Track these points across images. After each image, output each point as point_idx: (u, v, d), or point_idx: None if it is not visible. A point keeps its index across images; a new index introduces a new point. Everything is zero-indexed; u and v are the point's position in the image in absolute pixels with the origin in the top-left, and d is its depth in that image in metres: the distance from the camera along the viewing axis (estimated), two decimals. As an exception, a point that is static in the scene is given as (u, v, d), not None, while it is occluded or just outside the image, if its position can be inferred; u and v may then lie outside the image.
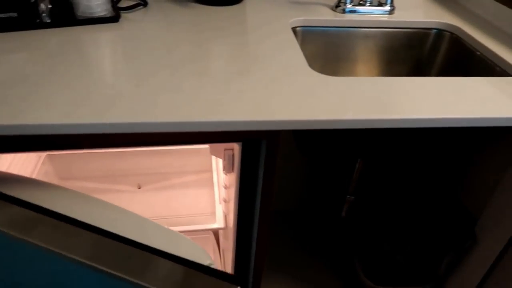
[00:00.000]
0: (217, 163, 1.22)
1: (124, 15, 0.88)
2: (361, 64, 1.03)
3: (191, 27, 0.85)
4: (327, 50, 0.99)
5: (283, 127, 0.58)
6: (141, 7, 0.92)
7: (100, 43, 0.76)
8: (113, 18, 0.84)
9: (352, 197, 1.11)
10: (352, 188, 1.08)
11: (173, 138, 0.62)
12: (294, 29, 0.93)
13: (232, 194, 0.86)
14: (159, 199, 1.20)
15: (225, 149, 0.80)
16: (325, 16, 0.95)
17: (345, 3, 0.97)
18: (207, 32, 0.83)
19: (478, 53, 0.89)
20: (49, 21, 0.79)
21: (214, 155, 0.86)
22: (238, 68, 0.70)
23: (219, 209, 1.06)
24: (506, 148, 0.88)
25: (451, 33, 0.96)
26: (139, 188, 1.23)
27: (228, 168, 0.83)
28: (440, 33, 0.98)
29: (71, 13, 0.83)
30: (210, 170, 1.28)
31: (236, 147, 0.74)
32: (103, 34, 0.79)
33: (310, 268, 1.27)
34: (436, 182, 1.08)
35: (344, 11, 0.97)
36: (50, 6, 0.80)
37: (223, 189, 1.03)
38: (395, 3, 1.00)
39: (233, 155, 0.81)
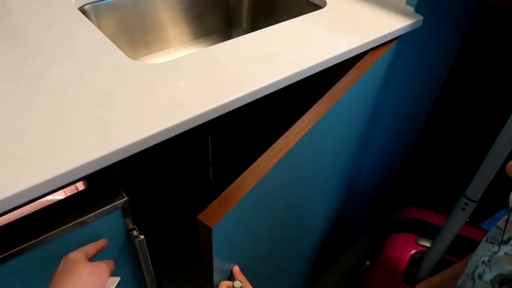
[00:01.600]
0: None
1: None
2: (172, 28, 0.93)
3: None
4: (131, 24, 0.84)
5: (129, 153, 0.46)
6: None
7: None
8: None
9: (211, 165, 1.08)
10: (211, 157, 1.04)
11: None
12: (82, 10, 0.75)
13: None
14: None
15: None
16: (113, -16, 0.79)
17: (129, -37, 0.82)
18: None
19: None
20: None
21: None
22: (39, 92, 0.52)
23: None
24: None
25: (249, -27, 0.93)
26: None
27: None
28: (238, -25, 0.94)
29: None
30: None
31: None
32: None
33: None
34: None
35: (132, -27, 0.83)
36: None
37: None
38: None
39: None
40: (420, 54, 0.86)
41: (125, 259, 0.57)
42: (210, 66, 0.58)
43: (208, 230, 0.42)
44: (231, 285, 0.50)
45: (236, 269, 0.53)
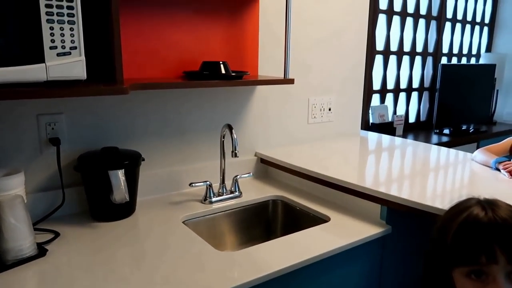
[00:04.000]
0: None
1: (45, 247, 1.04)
2: (228, 235, 1.41)
3: (101, 246, 1.07)
4: (207, 231, 1.33)
5: None
6: (56, 238, 1.10)
7: (35, 279, 0.91)
8: (41, 253, 0.99)
9: None
10: None
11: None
12: (184, 222, 1.25)
13: None
14: None
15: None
16: (199, 209, 1.32)
17: (210, 196, 1.38)
18: (120, 249, 1.07)
19: (298, 208, 1.40)
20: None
21: None
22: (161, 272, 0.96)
23: None
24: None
25: (281, 201, 1.47)
26: None
27: None
28: (274, 201, 1.48)
29: (-1, 260, 0.94)
30: None
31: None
32: (34, 271, 0.94)
33: None
34: None
35: (211, 202, 1.37)
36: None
37: None
38: (241, 189, 1.46)
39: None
40: (397, 250, 1.27)
41: None
42: (260, 257, 1.02)
43: None
44: None
45: None
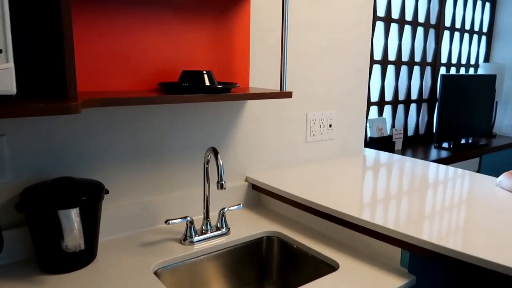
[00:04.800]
0: None
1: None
2: (219, 279, 1.16)
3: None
4: (192, 278, 1.08)
5: None
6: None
7: None
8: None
9: None
10: None
11: None
12: (156, 273, 1.00)
13: None
14: None
15: None
16: (177, 253, 1.07)
17: (191, 235, 1.13)
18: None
19: (296, 247, 1.16)
20: None
21: None
22: None
23: None
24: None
25: (277, 237, 1.22)
26: None
27: None
28: (269, 238, 1.23)
29: None
30: None
31: None
32: None
33: None
34: None
35: (192, 243, 1.12)
36: None
37: None
38: (230, 224, 1.22)
39: None
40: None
41: None
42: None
43: None
44: None
45: None
